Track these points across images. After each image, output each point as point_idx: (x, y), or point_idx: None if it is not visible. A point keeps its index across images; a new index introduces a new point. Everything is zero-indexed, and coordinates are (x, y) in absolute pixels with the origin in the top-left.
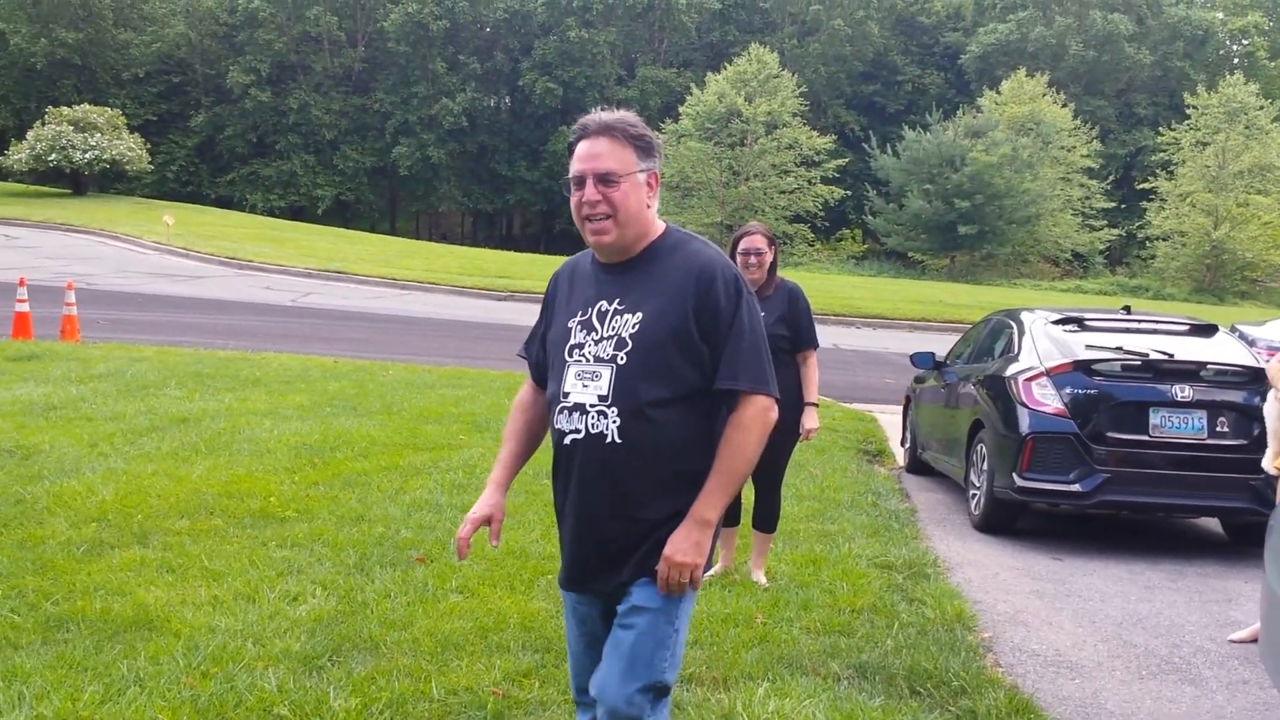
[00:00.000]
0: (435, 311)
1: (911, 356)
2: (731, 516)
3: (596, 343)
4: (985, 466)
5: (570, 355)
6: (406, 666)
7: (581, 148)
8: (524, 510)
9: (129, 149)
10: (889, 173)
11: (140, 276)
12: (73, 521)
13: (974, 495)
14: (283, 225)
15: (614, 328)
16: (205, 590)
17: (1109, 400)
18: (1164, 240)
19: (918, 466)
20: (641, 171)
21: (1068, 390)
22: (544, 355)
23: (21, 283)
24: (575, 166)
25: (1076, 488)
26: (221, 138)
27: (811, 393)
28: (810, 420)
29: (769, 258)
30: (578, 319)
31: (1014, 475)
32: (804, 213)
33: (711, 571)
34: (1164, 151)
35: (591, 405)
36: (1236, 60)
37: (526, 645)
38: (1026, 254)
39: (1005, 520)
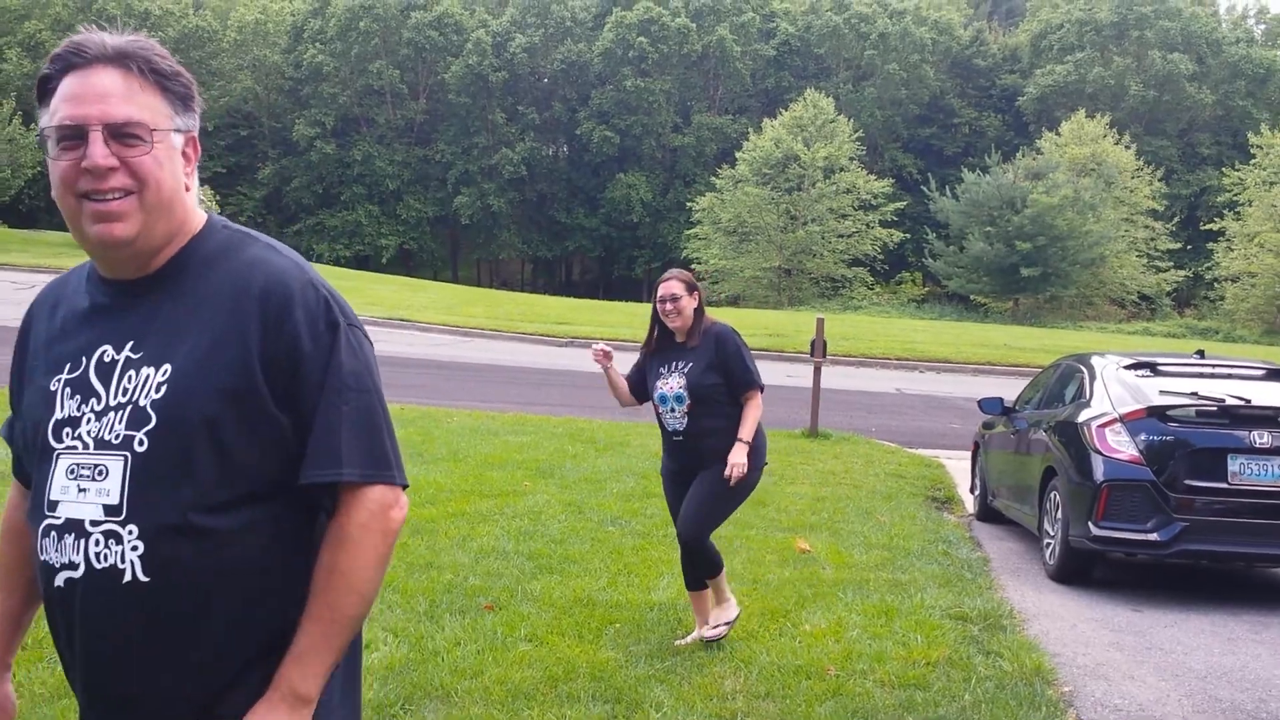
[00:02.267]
0: (497, 358)
1: (979, 402)
2: (689, 580)
3: (98, 416)
4: (1059, 515)
5: (56, 438)
6: (478, 715)
7: (72, 83)
8: (589, 558)
9: (199, 201)
10: (948, 215)
11: None
12: None
13: (1048, 544)
14: (347, 274)
15: (126, 390)
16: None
17: (1185, 447)
18: (1233, 281)
19: (988, 514)
20: (179, 132)
21: (1142, 437)
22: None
23: None
24: (65, 110)
25: (1154, 536)
26: (288, 189)
27: (746, 429)
28: (737, 455)
29: (688, 304)
30: (64, 376)
31: (1089, 524)
32: (863, 256)
33: (687, 639)
34: (1229, 191)
35: (94, 523)
36: None
37: (596, 695)
38: (1091, 296)
39: (1081, 570)
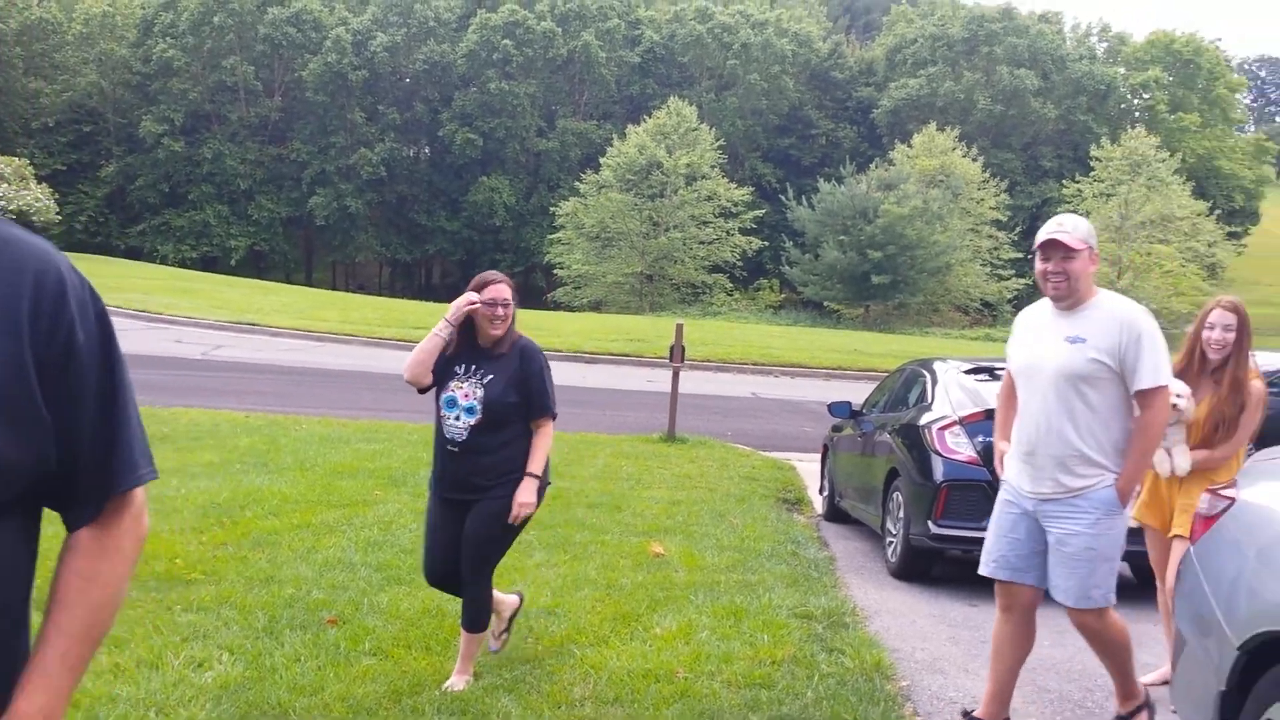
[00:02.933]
0: (351, 364)
1: (829, 405)
2: (485, 621)
3: None
4: (901, 514)
5: None
6: None
7: None
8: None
9: (35, 199)
10: (805, 224)
11: None
12: None
13: (890, 543)
14: (194, 276)
15: None
16: (106, 657)
17: None
18: None
19: (836, 514)
20: None
21: (980, 438)
22: None
23: None
24: None
25: None
26: (133, 188)
27: (536, 462)
28: (525, 494)
29: (512, 310)
30: None
31: (929, 523)
32: (723, 263)
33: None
34: (1069, 203)
35: None
36: (1137, 114)
37: (443, 708)
38: (937, 303)
39: (921, 567)
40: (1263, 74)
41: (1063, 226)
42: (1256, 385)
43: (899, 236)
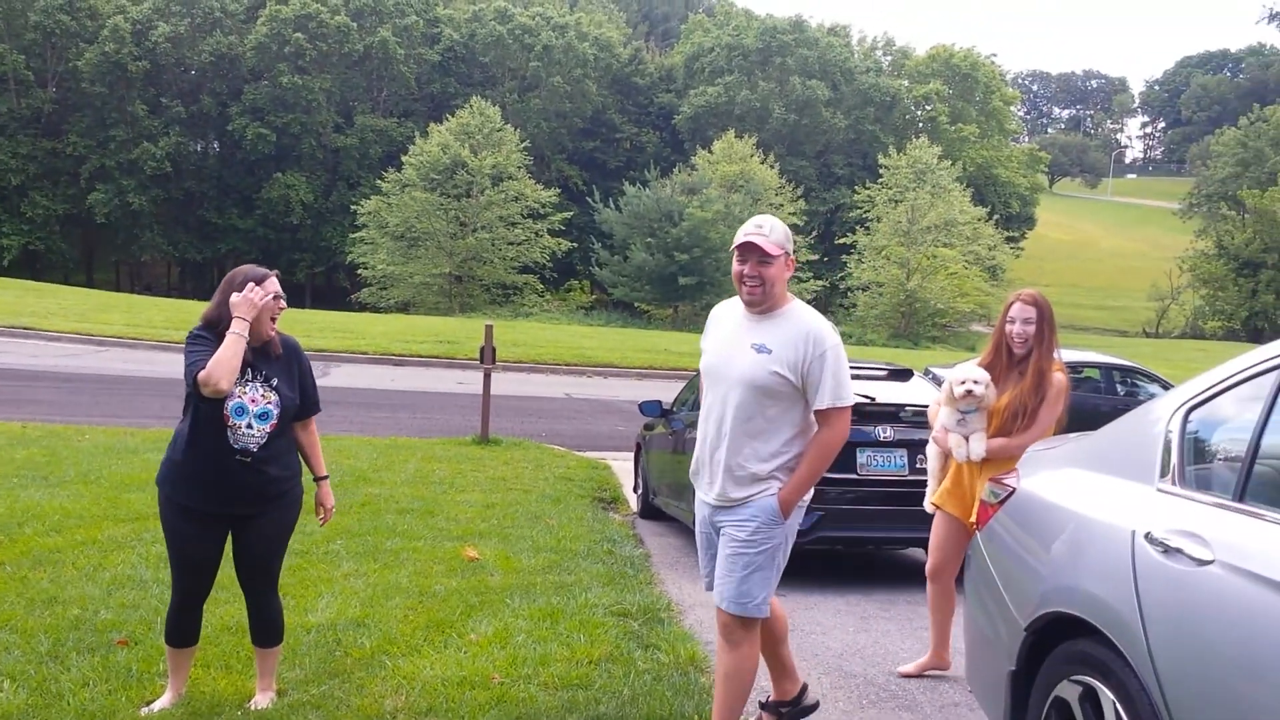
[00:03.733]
0: (139, 369)
1: (640, 405)
2: (185, 634)
3: None
4: None
5: None
6: None
7: None
8: (236, 582)
9: None
10: (612, 226)
11: None
12: None
13: None
14: None
15: None
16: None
17: None
18: (863, 290)
19: (650, 511)
20: None
21: None
22: None
23: None
24: None
25: None
26: None
27: (321, 463)
28: (329, 497)
29: (283, 305)
30: None
31: None
32: (532, 264)
33: (155, 706)
34: (860, 209)
35: None
36: (921, 124)
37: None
38: None
39: None
40: (1035, 87)
41: (761, 229)
42: (1058, 377)
43: (703, 239)
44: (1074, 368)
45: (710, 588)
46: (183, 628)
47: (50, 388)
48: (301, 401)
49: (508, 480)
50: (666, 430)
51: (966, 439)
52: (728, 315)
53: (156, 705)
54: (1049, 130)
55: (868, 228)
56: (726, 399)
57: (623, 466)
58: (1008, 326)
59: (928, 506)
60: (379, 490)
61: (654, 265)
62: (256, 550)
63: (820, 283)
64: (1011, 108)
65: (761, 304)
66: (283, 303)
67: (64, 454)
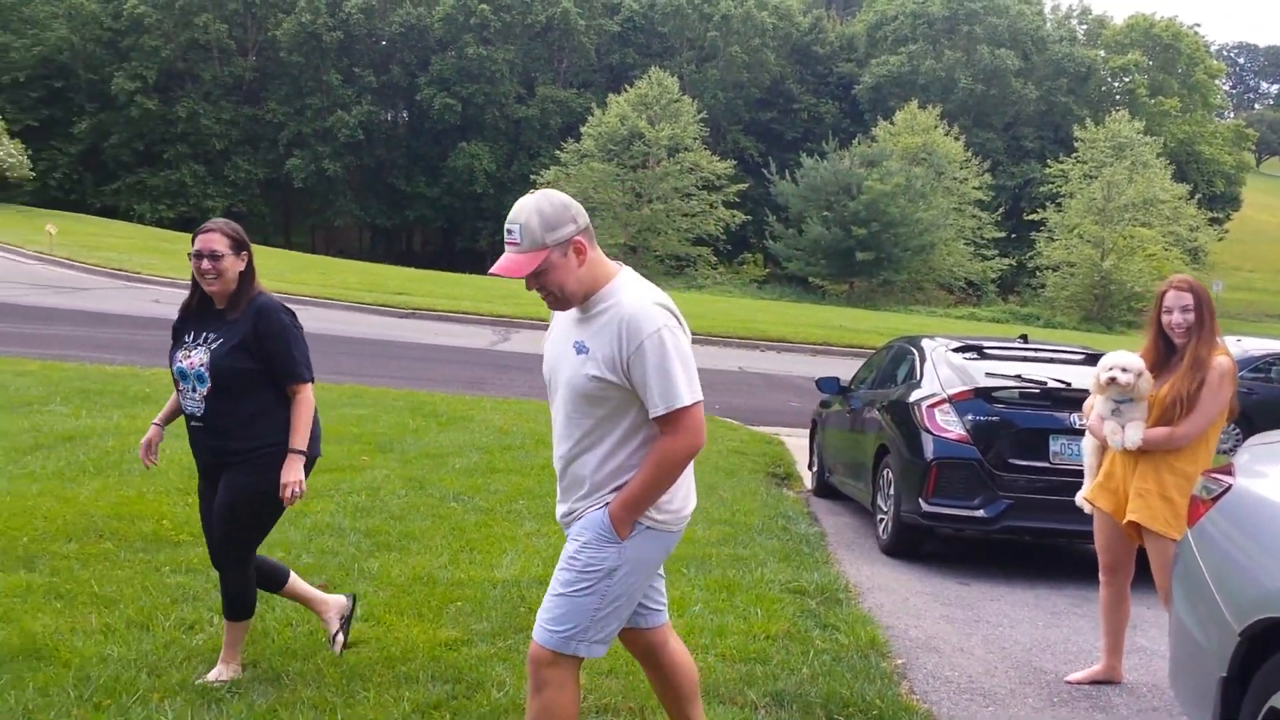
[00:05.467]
0: (332, 328)
1: (817, 381)
2: (245, 608)
3: None
4: (891, 491)
5: None
6: (310, 699)
7: None
8: (430, 535)
9: (9, 155)
10: (788, 199)
11: (21, 287)
12: None
13: (881, 520)
14: (171, 236)
15: None
16: (96, 618)
17: (1010, 427)
18: (1053, 270)
19: (825, 490)
20: None
21: (969, 417)
22: None
23: None
24: None
25: (981, 513)
26: (107, 145)
27: (299, 437)
28: (290, 472)
29: (231, 265)
30: None
31: (919, 500)
32: (706, 235)
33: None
34: (1052, 184)
35: None
36: (1118, 97)
37: (436, 676)
38: (922, 281)
39: (912, 545)
40: (1241, 61)
41: (511, 236)
42: (1221, 361)
43: (882, 213)
44: (1258, 362)
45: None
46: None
47: None
48: (265, 367)
49: None
50: (844, 408)
51: (1122, 427)
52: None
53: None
54: (1256, 106)
55: (1059, 204)
56: (563, 409)
57: (796, 443)
58: (1164, 316)
59: (1079, 501)
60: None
61: (830, 239)
62: (215, 518)
63: (1007, 261)
64: (1216, 81)
65: (571, 306)
66: (204, 263)
67: None
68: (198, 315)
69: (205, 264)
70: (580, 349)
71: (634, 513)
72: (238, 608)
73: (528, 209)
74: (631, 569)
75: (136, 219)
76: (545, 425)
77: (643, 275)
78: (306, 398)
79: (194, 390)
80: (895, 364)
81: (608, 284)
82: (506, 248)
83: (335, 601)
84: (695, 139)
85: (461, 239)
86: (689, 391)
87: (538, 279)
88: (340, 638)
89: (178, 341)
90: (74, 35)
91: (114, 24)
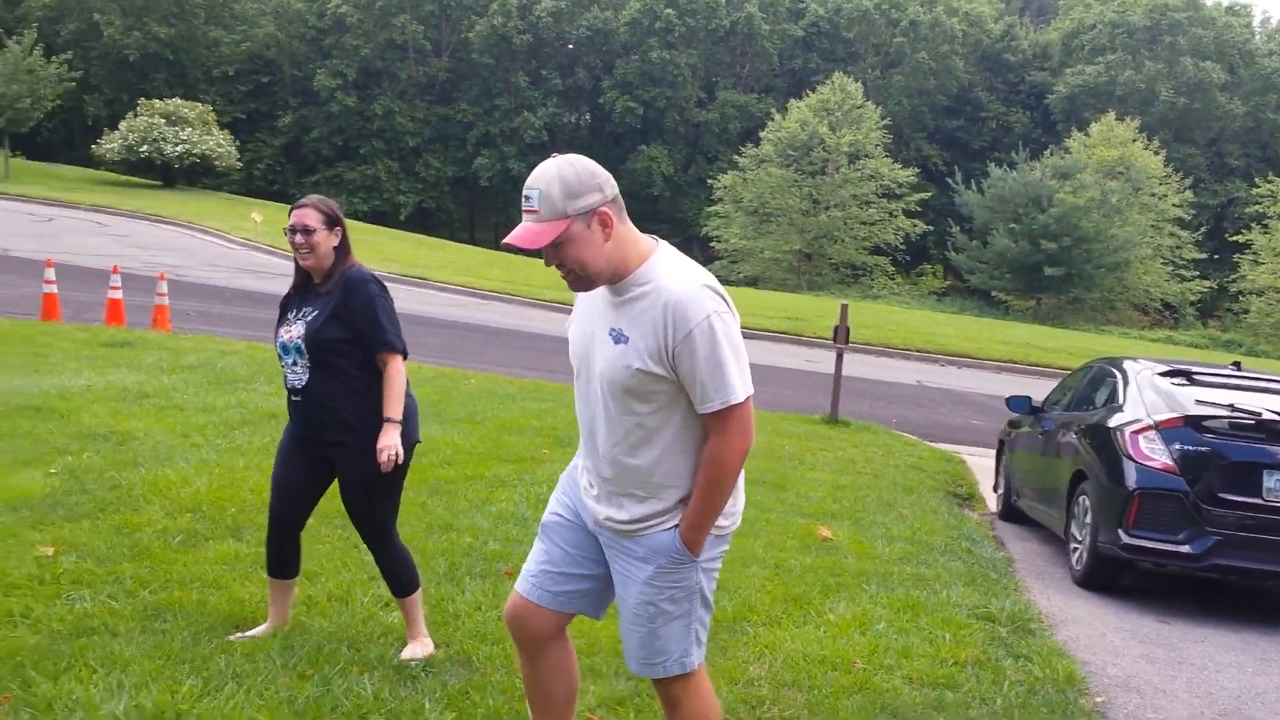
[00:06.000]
0: (515, 323)
1: (1007, 400)
2: (273, 563)
3: None
4: (1088, 520)
5: None
6: (500, 684)
7: None
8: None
9: (219, 145)
10: (973, 209)
11: (229, 271)
12: (168, 511)
13: (1075, 549)
14: (365, 229)
15: None
16: (299, 589)
17: (1221, 459)
18: (1258, 295)
19: (1011, 514)
20: None
21: (1177, 446)
22: None
23: (115, 270)
24: None
25: (1186, 549)
26: (308, 139)
27: (392, 405)
28: (386, 438)
29: (324, 241)
30: None
31: (1119, 531)
32: (884, 244)
33: (251, 633)
34: (1259, 204)
35: None
36: None
37: (619, 672)
38: (1114, 301)
39: (1108, 577)
40: None
41: (529, 203)
42: None
43: (1074, 228)
44: None
45: (527, 592)
46: (271, 555)
47: (440, 333)
48: (355, 337)
49: (857, 463)
50: (1036, 429)
51: None
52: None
53: (253, 631)
54: None
55: (1266, 226)
56: (598, 403)
57: (978, 463)
58: None
59: None
60: None
61: (1016, 253)
62: (347, 505)
63: (1207, 283)
64: None
65: (596, 285)
66: (298, 237)
67: (453, 395)
68: (300, 292)
69: (299, 238)
70: (618, 337)
71: (706, 531)
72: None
73: (549, 174)
74: (708, 577)
75: None
76: None
77: (816, 282)
78: (398, 368)
79: (294, 363)
80: (1094, 386)
81: (643, 263)
82: (524, 216)
83: (427, 643)
84: (877, 146)
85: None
86: (742, 385)
87: (556, 252)
88: (408, 653)
89: (282, 318)
90: (280, 32)
91: (318, 22)
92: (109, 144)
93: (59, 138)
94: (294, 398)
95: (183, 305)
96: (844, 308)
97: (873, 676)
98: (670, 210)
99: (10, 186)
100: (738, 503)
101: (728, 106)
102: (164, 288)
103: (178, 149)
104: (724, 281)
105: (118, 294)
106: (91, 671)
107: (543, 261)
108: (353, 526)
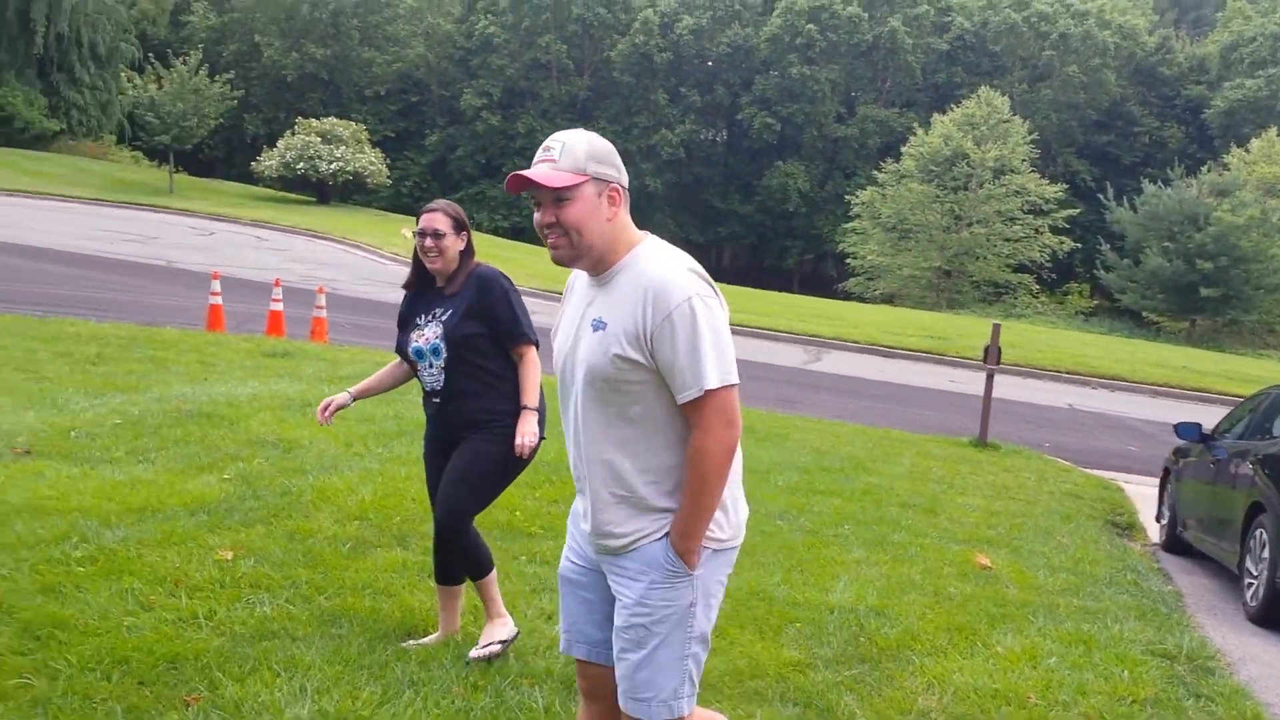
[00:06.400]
0: None
1: (1176, 426)
2: (437, 571)
3: None
4: (1265, 554)
5: None
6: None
7: None
8: (760, 550)
9: (370, 162)
10: (1125, 226)
11: (380, 285)
12: (336, 518)
13: (1250, 584)
14: (505, 244)
15: None
16: (465, 599)
17: None
18: None
19: (1176, 545)
20: None
21: None
22: None
23: (277, 283)
24: None
25: None
26: (453, 157)
27: (530, 394)
28: (528, 423)
29: (452, 244)
30: None
31: None
32: (1029, 262)
33: (424, 640)
34: None
35: None
36: None
37: (785, 697)
38: (1275, 324)
39: None
40: None
41: (549, 152)
42: None
43: (1233, 247)
44: None
45: (567, 648)
46: (436, 562)
47: None
48: (492, 331)
49: (1010, 489)
50: (1206, 458)
51: None
52: (579, 283)
53: (425, 639)
54: None
55: None
56: (578, 400)
57: (1137, 491)
58: None
59: None
60: (877, 480)
61: (1171, 272)
62: (450, 468)
63: None
64: None
65: (580, 261)
66: (428, 240)
67: None
68: (422, 298)
69: (429, 242)
70: (597, 325)
71: (697, 537)
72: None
73: (576, 134)
74: (706, 600)
75: (475, 227)
76: (865, 450)
77: (955, 300)
78: (534, 358)
79: (431, 365)
80: (1272, 413)
81: (630, 250)
82: (538, 165)
83: (508, 621)
84: (1024, 161)
85: (769, 256)
86: (719, 372)
87: (559, 208)
88: (488, 650)
89: (408, 325)
90: (430, 53)
91: (466, 43)
92: (268, 161)
93: (219, 154)
94: (433, 399)
95: (337, 318)
96: (996, 327)
97: (1048, 713)
98: (805, 226)
99: (175, 201)
100: (739, 513)
101: (868, 121)
102: (322, 300)
103: (332, 166)
104: (860, 299)
105: (279, 306)
106: (275, 675)
107: (534, 219)
108: (490, 532)
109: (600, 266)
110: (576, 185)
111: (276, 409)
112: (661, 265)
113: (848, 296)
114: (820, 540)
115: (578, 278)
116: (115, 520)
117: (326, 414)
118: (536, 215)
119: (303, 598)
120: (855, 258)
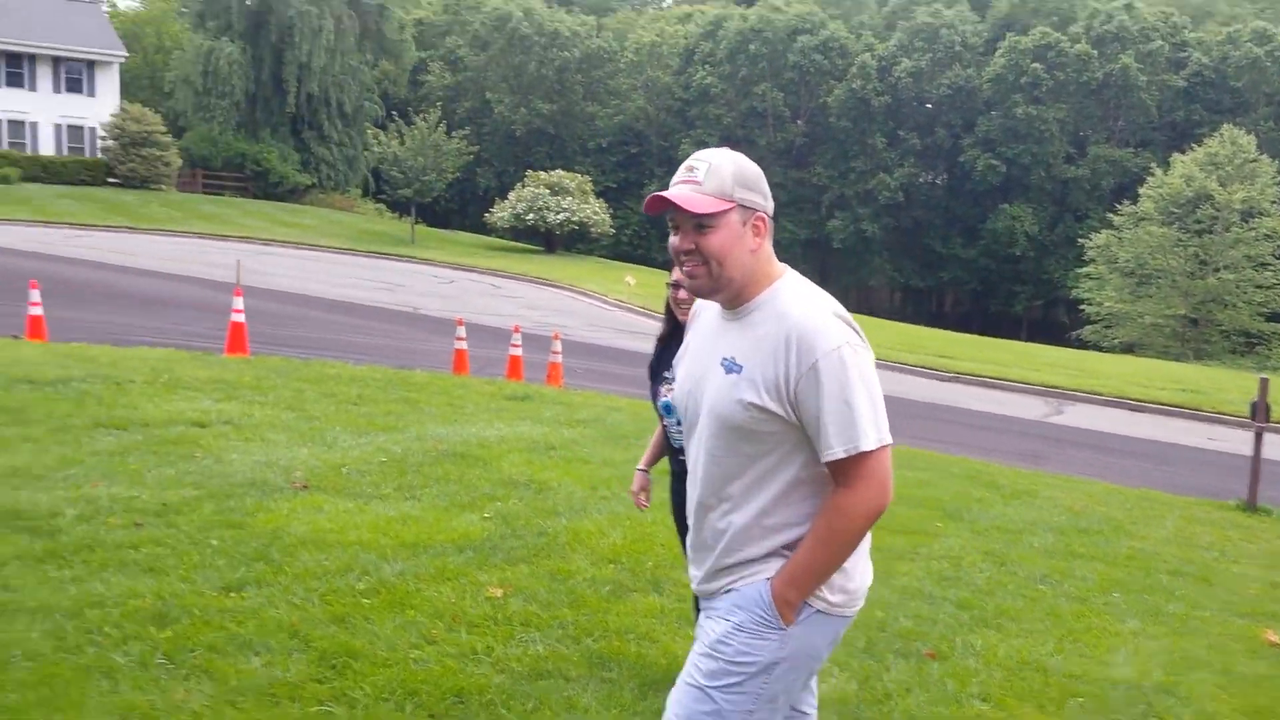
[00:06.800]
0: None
1: None
2: None
3: None
4: None
5: None
6: None
7: None
8: (1024, 616)
9: (595, 212)
10: None
11: (607, 331)
12: (592, 560)
13: None
14: None
15: None
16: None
17: None
18: None
19: None
20: None
21: None
22: None
23: (516, 329)
24: None
25: None
26: None
27: None
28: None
29: (681, 295)
30: None
31: None
32: None
33: None
34: None
35: None
36: None
37: None
38: None
39: None
40: None
41: (693, 173)
42: None
43: None
44: None
45: None
46: (698, 611)
47: None
48: None
49: None
50: None
51: None
52: (708, 313)
53: None
54: None
55: None
56: (703, 439)
57: None
58: None
59: None
60: (1141, 545)
61: None
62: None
63: None
64: None
65: (718, 294)
66: (680, 293)
67: None
68: (672, 350)
69: (681, 294)
70: (730, 367)
71: (804, 592)
72: None
73: (723, 154)
74: (794, 663)
75: None
76: (1122, 512)
77: (1203, 350)
78: None
79: (679, 423)
80: None
81: (770, 285)
82: (680, 185)
83: None
84: (1274, 202)
85: (995, 302)
86: (875, 431)
87: (702, 234)
88: None
89: (658, 378)
90: (649, 105)
91: (684, 94)
92: (500, 213)
93: (454, 206)
94: (681, 457)
95: (571, 362)
96: (1263, 382)
97: None
98: (1035, 271)
99: (417, 251)
100: (861, 578)
101: (1099, 161)
102: (558, 346)
103: (560, 216)
104: (1096, 348)
105: (518, 351)
106: (555, 716)
107: (669, 243)
108: None
109: (737, 300)
110: (722, 213)
111: (524, 450)
112: (807, 308)
113: (1083, 345)
114: (1090, 609)
115: (706, 305)
116: (391, 554)
117: (644, 500)
118: (673, 239)
119: (571, 638)
120: (1091, 304)
